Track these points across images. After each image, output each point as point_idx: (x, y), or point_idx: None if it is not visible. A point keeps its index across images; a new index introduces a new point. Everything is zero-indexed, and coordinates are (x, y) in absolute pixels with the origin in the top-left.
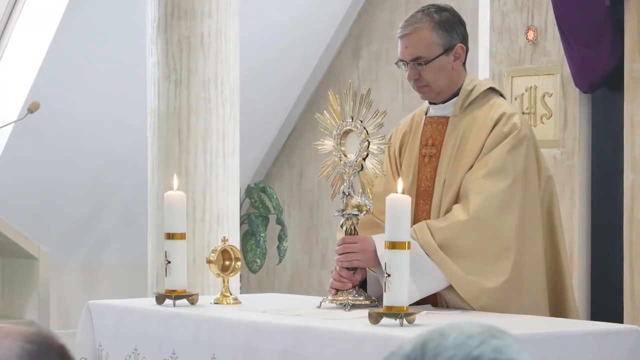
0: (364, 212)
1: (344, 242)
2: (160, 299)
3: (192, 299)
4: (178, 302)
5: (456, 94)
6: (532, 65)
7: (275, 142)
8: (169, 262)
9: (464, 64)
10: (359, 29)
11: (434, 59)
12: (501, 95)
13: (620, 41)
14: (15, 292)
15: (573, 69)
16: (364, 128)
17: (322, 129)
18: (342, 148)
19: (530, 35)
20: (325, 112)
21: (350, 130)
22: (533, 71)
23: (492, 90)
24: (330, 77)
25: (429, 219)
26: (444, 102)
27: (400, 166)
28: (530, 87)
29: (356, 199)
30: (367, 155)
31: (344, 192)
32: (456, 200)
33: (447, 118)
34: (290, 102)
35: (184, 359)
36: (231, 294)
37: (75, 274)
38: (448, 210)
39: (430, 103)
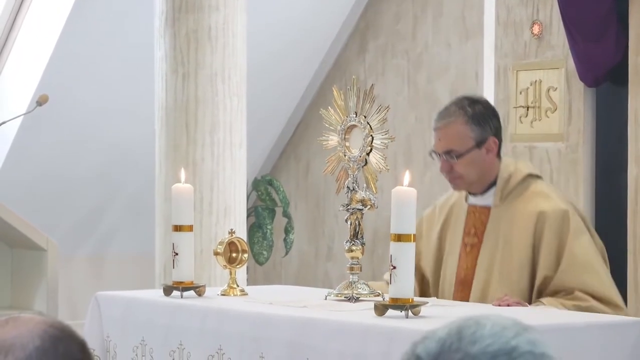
0: (369, 206)
1: (499, 300)
2: (167, 291)
3: (199, 290)
4: (185, 293)
5: (494, 183)
6: (537, 60)
7: (282, 135)
8: (177, 254)
9: (498, 154)
10: (365, 22)
11: (466, 152)
12: (538, 177)
13: (625, 35)
14: (24, 283)
15: (577, 63)
16: (368, 123)
17: (326, 125)
18: (347, 143)
19: (535, 29)
20: (329, 107)
21: (354, 126)
22: (538, 65)
23: (529, 176)
24: (336, 71)
25: None
26: (482, 192)
27: (444, 250)
28: (535, 81)
29: (360, 194)
30: (371, 150)
31: (348, 187)
32: (500, 291)
33: (488, 208)
34: (297, 96)
35: (191, 349)
36: (238, 286)
37: (83, 266)
38: (489, 300)
39: (470, 193)
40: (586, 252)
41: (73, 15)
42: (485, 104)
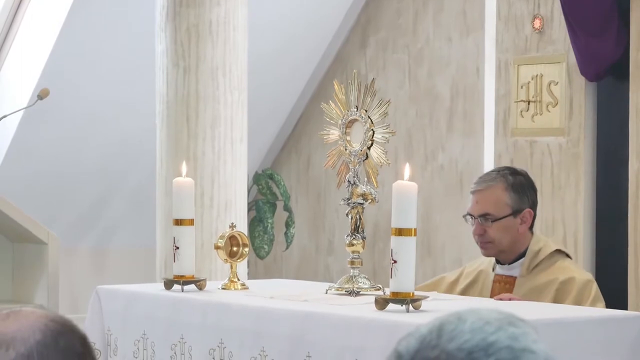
0: (369, 200)
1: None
2: (168, 284)
3: (200, 284)
4: (186, 287)
5: (523, 255)
6: (538, 54)
7: (282, 129)
8: (177, 248)
9: (530, 227)
10: (367, 17)
11: (502, 218)
12: (567, 255)
13: (626, 30)
14: (25, 277)
15: (579, 57)
16: (369, 117)
17: (327, 119)
18: (348, 137)
19: (537, 23)
20: (330, 101)
21: (355, 120)
22: (539, 59)
23: (558, 252)
24: (337, 65)
25: None
26: (510, 262)
27: None
28: (536, 75)
29: (361, 188)
30: (372, 144)
31: (349, 181)
32: None
33: (514, 278)
34: (298, 90)
35: (192, 343)
36: (239, 280)
37: (84, 260)
38: None
39: (497, 262)
40: None
41: (74, 10)
42: (525, 176)
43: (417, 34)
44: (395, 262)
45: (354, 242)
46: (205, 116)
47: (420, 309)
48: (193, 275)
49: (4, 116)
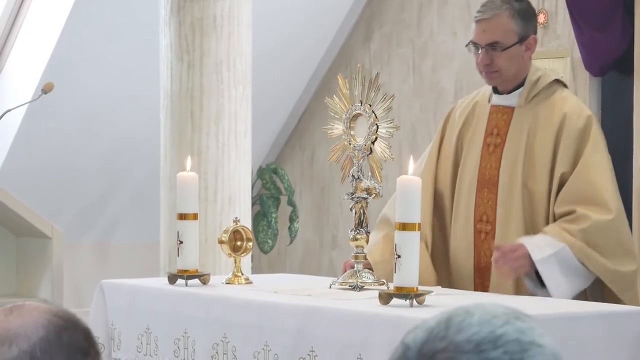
0: (373, 195)
1: (502, 252)
2: (172, 279)
3: (204, 279)
4: (190, 282)
5: (521, 84)
6: (542, 49)
7: (287, 124)
8: (181, 242)
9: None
10: (371, 11)
11: (510, 46)
12: (564, 85)
13: (631, 25)
14: (29, 271)
15: (583, 52)
16: (373, 112)
17: (331, 113)
18: (352, 132)
19: (541, 18)
20: (334, 96)
21: (359, 114)
22: (543, 54)
23: (556, 81)
24: (341, 60)
25: (496, 207)
26: (508, 92)
27: (461, 151)
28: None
29: (365, 182)
30: (376, 139)
31: (353, 176)
32: (524, 192)
33: (512, 108)
34: (302, 84)
35: (196, 338)
36: (243, 274)
37: (88, 254)
38: (515, 200)
39: (495, 92)
40: (600, 158)
41: (78, 4)
42: (528, 2)
43: (422, 28)
44: (399, 256)
45: (358, 236)
46: (209, 110)
47: (424, 303)
48: (197, 270)
49: (8, 110)
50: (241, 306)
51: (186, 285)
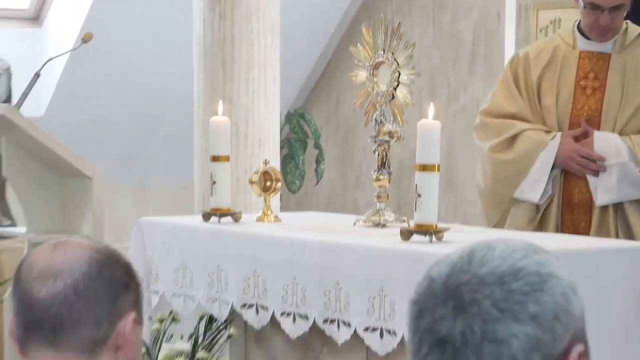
0: (395, 138)
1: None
2: (206, 217)
3: (236, 216)
4: (223, 219)
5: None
6: None
7: (313, 71)
8: (215, 183)
9: None
10: None
11: (627, 7)
12: None
13: None
14: (72, 209)
15: None
16: (395, 60)
17: (356, 61)
18: (375, 79)
19: None
20: (358, 44)
21: (382, 62)
22: (557, 4)
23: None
24: (365, 11)
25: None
26: (604, 41)
27: (539, 89)
28: (555, 19)
29: (387, 126)
30: (398, 85)
31: (376, 120)
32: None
33: (608, 55)
34: (328, 34)
35: (228, 272)
36: (272, 213)
37: (127, 195)
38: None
39: (585, 38)
40: None
41: None
42: None
43: None
44: (419, 196)
45: (381, 177)
46: (240, 60)
47: (443, 239)
48: (229, 208)
49: (50, 59)
50: (271, 242)
51: (219, 222)
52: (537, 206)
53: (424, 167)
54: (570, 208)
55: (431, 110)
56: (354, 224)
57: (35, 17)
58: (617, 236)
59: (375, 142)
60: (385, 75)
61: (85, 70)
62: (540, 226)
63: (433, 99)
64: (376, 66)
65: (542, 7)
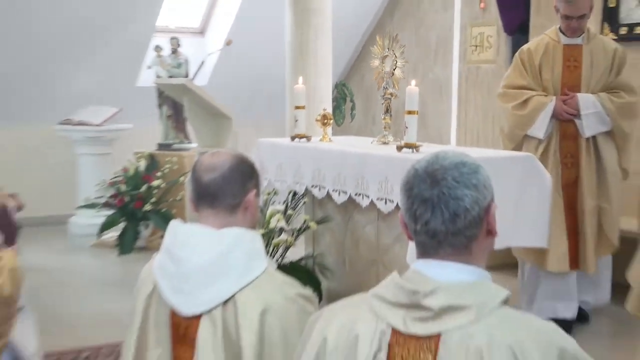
0: (394, 96)
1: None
2: (292, 139)
3: (308, 138)
4: (302, 140)
5: (581, 32)
6: (482, 20)
7: (349, 61)
8: (297, 120)
9: None
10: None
11: (589, 15)
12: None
13: (529, 3)
14: (221, 134)
15: (503, 21)
16: (394, 54)
17: (373, 55)
18: (383, 64)
19: (482, 5)
20: (375, 45)
21: (387, 55)
22: (483, 24)
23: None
24: (378, 28)
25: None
26: (573, 36)
27: (540, 69)
28: (482, 32)
29: (390, 90)
30: (396, 68)
31: (384, 87)
32: (597, 88)
33: (580, 45)
34: (356, 41)
35: (304, 170)
36: (328, 136)
37: (248, 128)
38: (592, 92)
39: (565, 36)
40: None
41: None
42: None
43: (421, 13)
44: (407, 127)
45: (386, 117)
46: (309, 54)
47: (420, 151)
48: (305, 134)
49: (209, 54)
50: (327, 152)
51: (299, 141)
52: (539, 140)
53: (410, 112)
54: (565, 139)
55: (413, 82)
56: (371, 142)
57: (201, 31)
58: (593, 154)
59: (383, 98)
60: (389, 62)
61: (227, 60)
62: (545, 152)
63: (414, 76)
64: (384, 58)
65: (474, 25)
